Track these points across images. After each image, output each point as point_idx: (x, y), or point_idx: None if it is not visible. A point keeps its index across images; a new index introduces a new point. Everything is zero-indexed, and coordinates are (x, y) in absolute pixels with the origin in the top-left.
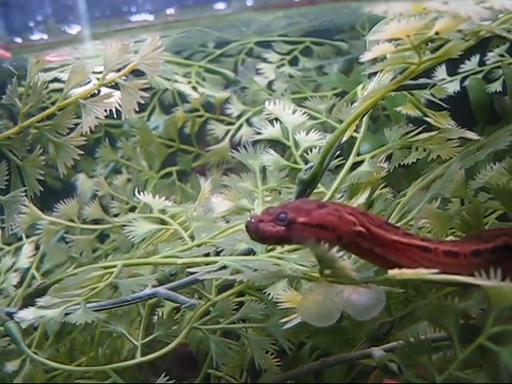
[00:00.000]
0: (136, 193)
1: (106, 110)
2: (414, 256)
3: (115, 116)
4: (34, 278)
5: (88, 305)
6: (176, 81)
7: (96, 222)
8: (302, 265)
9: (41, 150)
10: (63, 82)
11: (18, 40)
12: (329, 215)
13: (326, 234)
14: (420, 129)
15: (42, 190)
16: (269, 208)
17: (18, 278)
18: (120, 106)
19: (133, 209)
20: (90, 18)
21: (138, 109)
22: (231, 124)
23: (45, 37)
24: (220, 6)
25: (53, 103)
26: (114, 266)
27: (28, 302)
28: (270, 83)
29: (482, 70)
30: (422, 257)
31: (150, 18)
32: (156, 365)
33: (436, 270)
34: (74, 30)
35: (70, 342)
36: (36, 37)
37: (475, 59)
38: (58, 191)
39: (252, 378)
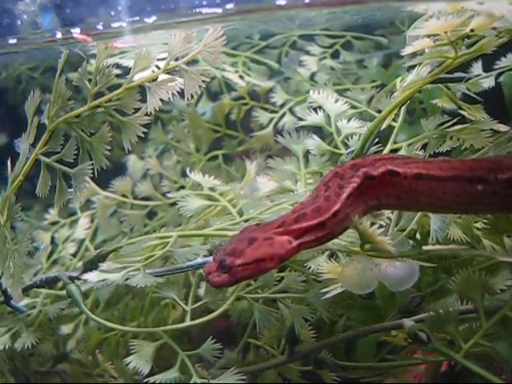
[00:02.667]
0: (188, 172)
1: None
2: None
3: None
4: (87, 249)
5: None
6: (224, 69)
7: (146, 199)
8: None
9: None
10: (123, 67)
11: (100, 27)
12: (260, 248)
13: (266, 264)
14: (454, 120)
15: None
16: (217, 251)
17: (75, 247)
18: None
19: (181, 188)
20: (163, 10)
21: (199, 92)
22: (275, 112)
23: (123, 25)
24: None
25: (112, 86)
26: (169, 237)
27: (88, 267)
28: (313, 75)
29: None
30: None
31: (219, 10)
32: (194, 339)
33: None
34: (151, 19)
35: (123, 307)
36: (116, 24)
37: (511, 56)
38: (109, 171)
39: (290, 347)
